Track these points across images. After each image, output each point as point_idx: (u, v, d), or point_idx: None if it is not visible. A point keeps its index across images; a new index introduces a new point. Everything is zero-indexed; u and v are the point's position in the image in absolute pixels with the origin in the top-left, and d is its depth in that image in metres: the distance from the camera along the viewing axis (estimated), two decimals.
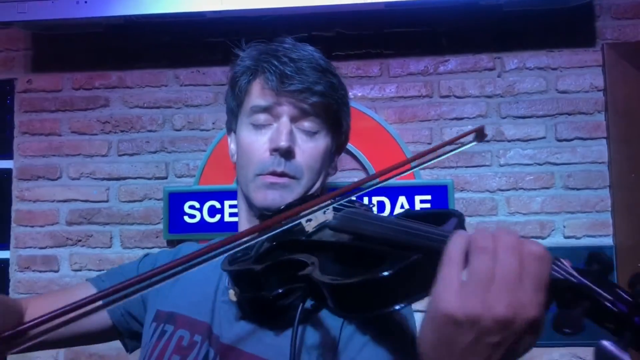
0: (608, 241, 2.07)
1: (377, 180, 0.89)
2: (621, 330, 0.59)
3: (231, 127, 1.19)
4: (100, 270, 2.21)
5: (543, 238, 2.09)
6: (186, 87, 2.26)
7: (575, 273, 0.61)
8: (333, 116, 1.13)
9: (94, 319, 1.16)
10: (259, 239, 0.80)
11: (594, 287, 0.59)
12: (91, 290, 1.18)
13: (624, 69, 2.10)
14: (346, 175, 2.16)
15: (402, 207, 2.10)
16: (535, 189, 2.11)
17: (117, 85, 2.29)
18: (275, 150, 1.05)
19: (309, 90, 1.06)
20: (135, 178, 2.24)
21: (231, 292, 0.97)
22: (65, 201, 2.26)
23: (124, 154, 2.26)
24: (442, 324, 0.60)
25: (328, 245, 0.85)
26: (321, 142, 1.10)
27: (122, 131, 2.27)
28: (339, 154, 1.24)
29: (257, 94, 1.09)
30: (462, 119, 2.15)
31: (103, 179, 2.26)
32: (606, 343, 0.57)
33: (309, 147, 1.08)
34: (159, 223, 2.20)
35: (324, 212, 0.90)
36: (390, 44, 2.20)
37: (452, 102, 2.17)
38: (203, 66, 2.25)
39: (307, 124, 1.08)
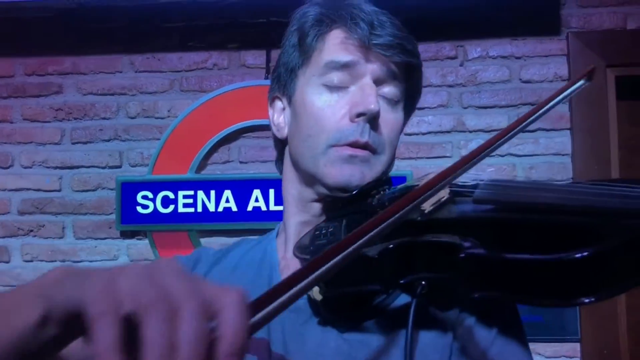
0: None
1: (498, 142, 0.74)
2: None
3: (284, 91, 0.95)
4: (52, 262, 2.16)
5: None
6: (141, 74, 2.20)
7: None
8: (415, 83, 0.95)
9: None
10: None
11: None
12: None
13: (589, 58, 2.05)
14: None
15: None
16: None
17: (71, 72, 2.22)
18: (360, 116, 0.85)
19: (400, 47, 0.87)
20: (89, 167, 2.18)
21: (316, 290, 0.75)
22: (16, 190, 2.20)
23: (77, 142, 2.20)
24: None
25: (485, 222, 0.67)
26: (401, 114, 0.93)
27: (75, 119, 2.20)
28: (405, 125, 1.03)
29: (336, 48, 0.89)
30: (422, 108, 2.10)
31: (56, 167, 2.20)
32: None
33: (392, 119, 0.90)
34: (112, 213, 2.14)
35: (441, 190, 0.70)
36: None
37: None
38: (159, 52, 2.19)
39: (390, 90, 0.90)
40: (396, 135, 0.91)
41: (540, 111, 0.72)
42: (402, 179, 2.02)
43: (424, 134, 2.09)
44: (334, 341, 0.79)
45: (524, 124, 0.71)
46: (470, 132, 2.08)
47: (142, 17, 2.16)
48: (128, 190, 2.10)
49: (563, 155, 2.05)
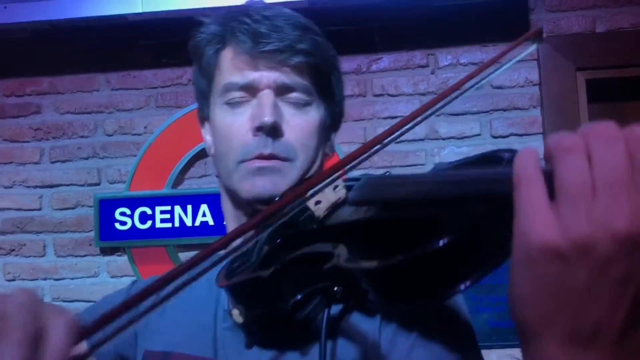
0: None
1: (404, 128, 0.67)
2: None
3: (204, 115, 0.98)
4: (34, 280, 2.18)
5: None
6: (117, 91, 2.22)
7: None
8: (323, 81, 0.93)
9: None
10: (261, 235, 0.61)
11: None
12: None
13: (559, 62, 2.06)
14: None
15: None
16: None
17: (49, 91, 2.25)
18: (259, 129, 0.86)
19: (291, 49, 0.86)
20: (68, 185, 2.21)
21: (235, 312, 0.76)
22: None
23: (56, 161, 2.22)
24: (542, 264, 0.42)
25: (355, 225, 0.65)
26: (313, 114, 0.91)
27: (54, 137, 2.23)
28: (335, 130, 1.03)
29: (230, 69, 0.89)
30: (395, 117, 2.11)
31: (35, 186, 2.22)
32: None
33: (300, 121, 0.89)
34: (91, 230, 2.16)
35: (334, 190, 0.69)
36: None
37: (385, 101, 2.12)
38: (134, 69, 2.21)
39: (293, 94, 0.89)
40: (310, 136, 0.89)
41: (478, 76, 0.68)
42: None
43: (397, 142, 2.10)
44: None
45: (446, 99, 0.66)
46: (443, 139, 2.09)
47: (116, 36, 2.19)
48: (106, 207, 2.12)
49: None
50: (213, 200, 2.10)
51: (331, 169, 0.61)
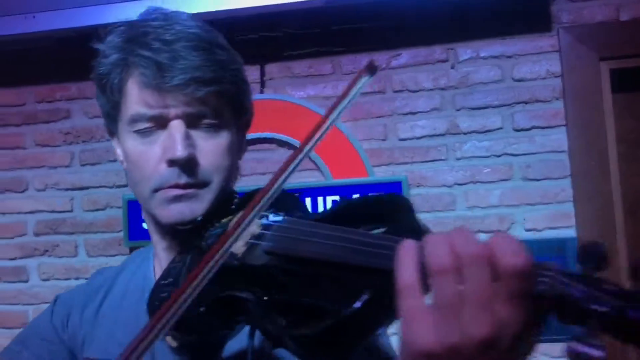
0: (570, 232, 2.00)
1: (301, 156, 0.69)
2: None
3: (112, 131, 0.97)
4: (67, 280, 2.26)
5: (503, 232, 2.03)
6: None
7: (565, 279, 0.50)
8: (232, 99, 0.92)
9: None
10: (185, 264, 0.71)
11: (589, 296, 0.48)
12: None
13: (581, 52, 2.02)
14: (303, 175, 2.14)
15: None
16: (493, 182, 2.05)
17: (77, 97, 2.32)
18: (173, 162, 0.86)
19: (197, 81, 0.85)
20: (97, 187, 2.27)
21: (168, 337, 0.78)
22: (32, 212, 2.31)
23: (86, 164, 2.29)
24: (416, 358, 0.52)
25: (265, 273, 0.69)
26: (224, 136, 0.91)
27: (83, 141, 2.30)
28: (245, 137, 1.04)
29: (136, 98, 0.87)
30: (416, 113, 2.11)
31: (67, 189, 2.30)
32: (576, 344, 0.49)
33: (212, 146, 0.89)
34: (121, 231, 2.22)
35: (250, 225, 0.71)
36: (341, 41, 2.17)
37: (405, 97, 2.12)
38: None
39: (204, 121, 0.89)
40: (223, 157, 0.90)
41: (329, 121, 0.70)
42: (398, 184, 2.04)
43: (418, 138, 2.10)
44: None
45: (311, 143, 0.68)
46: (465, 134, 2.08)
47: None
48: (134, 208, 2.18)
49: (559, 152, 2.02)
50: None
51: (249, 209, 0.65)
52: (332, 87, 2.16)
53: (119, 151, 0.96)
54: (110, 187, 2.26)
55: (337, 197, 2.08)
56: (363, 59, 2.16)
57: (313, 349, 0.59)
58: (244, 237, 0.69)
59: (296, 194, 0.85)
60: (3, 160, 2.34)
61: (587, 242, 0.51)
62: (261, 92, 2.19)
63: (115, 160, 2.24)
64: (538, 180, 2.03)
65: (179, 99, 0.85)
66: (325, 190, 2.09)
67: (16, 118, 2.34)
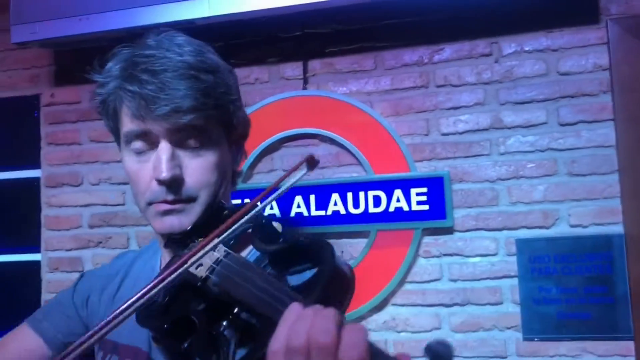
0: (617, 229, 1.96)
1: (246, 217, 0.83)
2: None
3: (118, 146, 1.07)
4: None
5: (547, 228, 2.00)
6: None
7: None
8: (216, 120, 1.00)
9: (34, 355, 1.16)
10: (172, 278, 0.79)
11: None
12: (31, 335, 1.17)
13: (631, 44, 1.97)
14: (345, 170, 2.17)
15: (398, 200, 2.07)
16: (537, 177, 2.02)
17: None
18: (160, 182, 0.95)
19: (178, 110, 0.94)
20: None
21: (152, 339, 0.89)
22: (86, 206, 2.42)
23: None
24: None
25: (209, 302, 0.80)
26: (210, 155, 1.00)
27: None
28: (239, 149, 1.13)
29: (128, 121, 0.98)
30: (459, 107, 2.10)
31: (119, 183, 2.40)
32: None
33: (198, 165, 0.99)
34: None
35: (215, 250, 0.82)
36: (384, 36, 2.18)
37: (448, 92, 2.12)
38: None
39: (189, 141, 0.98)
40: (209, 174, 0.99)
41: (266, 200, 0.84)
42: (440, 179, 2.04)
43: (460, 133, 2.09)
44: None
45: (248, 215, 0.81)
46: (509, 128, 2.06)
47: None
48: None
49: (607, 147, 1.98)
50: None
51: (213, 236, 0.80)
52: (373, 82, 2.18)
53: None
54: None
55: (378, 192, 2.10)
56: (405, 54, 2.16)
57: None
58: (204, 262, 0.80)
59: (278, 226, 0.90)
60: (61, 155, 2.46)
61: (434, 342, 0.58)
62: (304, 88, 2.23)
63: None
64: (584, 175, 1.99)
65: (164, 125, 0.94)
66: (367, 186, 2.11)
67: (72, 115, 2.46)
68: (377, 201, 2.09)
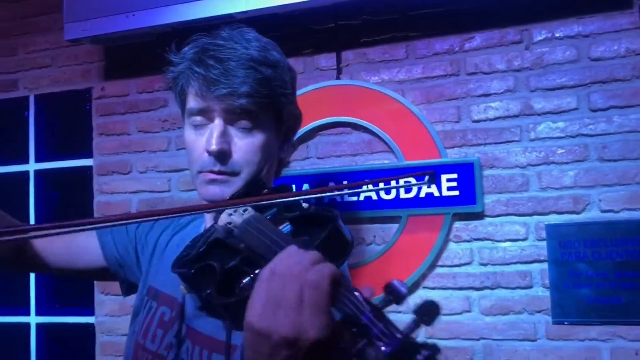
0: None
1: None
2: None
3: (182, 118, 1.24)
4: None
5: (577, 213, 2.02)
6: None
7: (364, 308, 0.66)
8: (268, 108, 1.15)
9: (91, 254, 1.36)
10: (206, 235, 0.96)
11: (367, 322, 0.65)
12: (94, 240, 1.37)
13: None
14: (376, 157, 2.24)
15: (428, 186, 2.13)
16: (567, 163, 2.04)
17: None
18: (209, 153, 1.11)
19: (234, 93, 1.09)
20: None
21: (182, 287, 1.02)
22: (135, 192, 2.57)
23: (181, 148, 2.51)
24: (247, 331, 0.71)
25: (228, 243, 0.93)
26: (258, 137, 1.14)
27: (179, 128, 2.51)
28: (288, 141, 1.28)
29: (192, 98, 1.15)
30: (489, 95, 2.13)
31: (165, 171, 2.53)
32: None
33: (245, 143, 1.13)
34: None
35: (244, 212, 0.94)
36: (415, 26, 2.23)
37: (479, 79, 2.15)
38: None
39: (240, 122, 1.13)
40: (254, 154, 1.13)
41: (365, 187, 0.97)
42: (470, 165, 2.09)
43: (491, 119, 2.12)
44: (208, 323, 1.07)
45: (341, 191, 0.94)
46: (539, 115, 2.08)
47: None
48: None
49: (639, 132, 1.97)
50: (313, 180, 2.27)
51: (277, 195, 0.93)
52: (405, 71, 2.23)
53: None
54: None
55: (410, 178, 2.15)
56: (437, 43, 2.21)
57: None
58: (233, 220, 0.92)
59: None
60: (111, 145, 2.62)
61: (392, 281, 0.68)
62: (337, 78, 2.30)
63: None
64: (615, 160, 2.00)
65: (221, 105, 1.10)
66: (398, 172, 2.17)
67: (121, 107, 2.61)
68: (408, 187, 2.15)
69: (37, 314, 2.68)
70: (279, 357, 0.68)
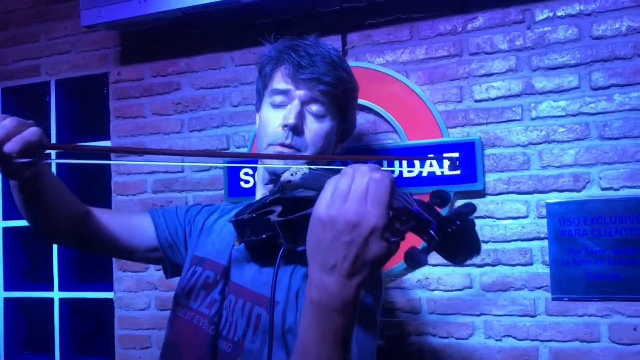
0: None
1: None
2: (429, 242, 0.82)
3: (257, 108, 1.48)
4: None
5: (578, 191, 2.04)
6: (240, 67, 2.52)
7: (413, 202, 0.83)
8: (338, 104, 1.38)
9: (145, 234, 1.51)
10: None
11: (417, 211, 0.82)
12: (148, 220, 1.54)
13: None
14: (380, 137, 2.28)
15: (430, 165, 2.17)
16: (568, 141, 2.06)
17: (186, 71, 2.62)
18: (285, 126, 1.31)
19: (318, 79, 1.32)
20: (203, 150, 2.57)
21: (235, 239, 1.25)
22: (150, 173, 2.66)
23: (193, 130, 2.59)
24: (314, 222, 0.82)
25: (287, 197, 1.15)
26: (326, 125, 1.37)
27: (191, 110, 2.60)
28: (342, 141, 1.50)
29: (278, 80, 1.37)
30: (491, 74, 2.16)
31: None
32: (415, 248, 0.81)
33: (315, 127, 1.34)
34: (222, 189, 2.50)
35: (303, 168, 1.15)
36: (419, 7, 2.26)
37: (481, 59, 2.17)
38: (253, 47, 2.49)
39: (315, 108, 1.35)
40: (320, 138, 1.35)
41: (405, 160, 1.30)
42: (471, 144, 2.12)
43: (493, 99, 2.15)
44: (253, 272, 1.27)
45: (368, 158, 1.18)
46: (540, 94, 2.09)
47: (235, 19, 2.48)
48: (232, 168, 2.45)
49: None
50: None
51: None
52: (409, 52, 2.27)
53: (257, 125, 1.48)
54: (214, 151, 2.54)
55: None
56: (440, 24, 2.24)
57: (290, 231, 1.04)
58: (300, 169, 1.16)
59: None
60: (127, 127, 2.71)
61: (438, 190, 0.90)
62: None
63: (218, 127, 2.53)
64: (616, 139, 2.01)
65: (303, 88, 1.33)
66: (401, 151, 2.21)
67: (136, 91, 2.70)
68: (411, 166, 2.20)
69: (60, 289, 2.81)
70: (340, 242, 0.79)
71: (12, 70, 2.94)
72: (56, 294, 2.81)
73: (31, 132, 1.00)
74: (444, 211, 1.16)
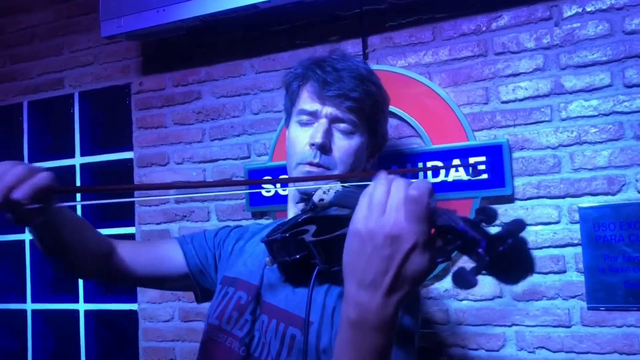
0: None
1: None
2: (478, 262, 0.73)
3: (287, 125, 1.48)
4: None
5: (613, 194, 1.93)
6: (260, 75, 2.49)
7: (458, 220, 0.76)
8: (367, 119, 1.36)
9: (174, 262, 1.49)
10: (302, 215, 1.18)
11: (463, 229, 0.74)
12: (177, 248, 1.51)
13: None
14: (404, 142, 2.21)
15: (456, 170, 2.09)
16: (601, 142, 1.95)
17: (206, 79, 2.59)
18: (312, 145, 1.30)
19: (345, 95, 1.30)
20: (225, 159, 2.54)
21: (267, 259, 1.20)
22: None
23: (214, 139, 2.56)
24: (351, 237, 0.78)
25: (320, 215, 1.12)
26: (355, 141, 1.35)
27: (212, 119, 2.57)
28: (373, 156, 1.49)
29: (304, 99, 1.36)
30: (518, 74, 2.07)
31: (200, 162, 2.59)
32: (463, 269, 0.74)
33: (344, 145, 1.33)
34: (244, 198, 2.46)
35: (328, 191, 1.11)
36: (442, 6, 2.19)
37: (507, 59, 2.09)
38: (272, 53, 2.45)
39: (343, 125, 1.33)
40: (349, 156, 1.33)
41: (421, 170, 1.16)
42: (498, 147, 2.04)
43: (520, 100, 2.06)
44: (287, 293, 1.23)
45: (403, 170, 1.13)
46: (570, 93, 2.00)
47: (254, 26, 2.45)
48: (254, 177, 2.41)
49: None
50: None
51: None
52: (432, 53, 2.19)
53: (286, 138, 1.47)
54: (235, 159, 2.51)
55: (437, 162, 2.12)
56: (463, 24, 2.16)
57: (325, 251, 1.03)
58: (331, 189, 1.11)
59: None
60: (149, 138, 2.70)
61: (484, 206, 0.83)
62: (364, 63, 2.28)
63: (239, 135, 2.50)
64: None
65: (330, 107, 1.32)
66: (425, 156, 2.14)
67: (158, 101, 2.68)
68: (435, 171, 2.12)
69: (85, 301, 2.81)
70: (379, 256, 0.74)
71: (37, 84, 2.97)
72: (81, 306, 2.81)
73: (41, 177, 0.96)
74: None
